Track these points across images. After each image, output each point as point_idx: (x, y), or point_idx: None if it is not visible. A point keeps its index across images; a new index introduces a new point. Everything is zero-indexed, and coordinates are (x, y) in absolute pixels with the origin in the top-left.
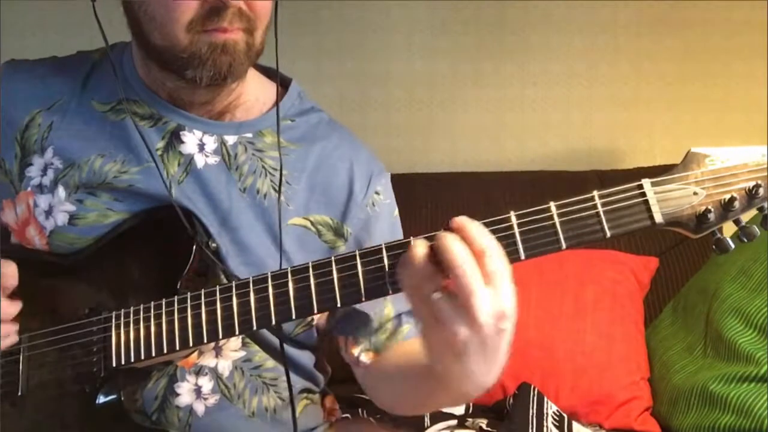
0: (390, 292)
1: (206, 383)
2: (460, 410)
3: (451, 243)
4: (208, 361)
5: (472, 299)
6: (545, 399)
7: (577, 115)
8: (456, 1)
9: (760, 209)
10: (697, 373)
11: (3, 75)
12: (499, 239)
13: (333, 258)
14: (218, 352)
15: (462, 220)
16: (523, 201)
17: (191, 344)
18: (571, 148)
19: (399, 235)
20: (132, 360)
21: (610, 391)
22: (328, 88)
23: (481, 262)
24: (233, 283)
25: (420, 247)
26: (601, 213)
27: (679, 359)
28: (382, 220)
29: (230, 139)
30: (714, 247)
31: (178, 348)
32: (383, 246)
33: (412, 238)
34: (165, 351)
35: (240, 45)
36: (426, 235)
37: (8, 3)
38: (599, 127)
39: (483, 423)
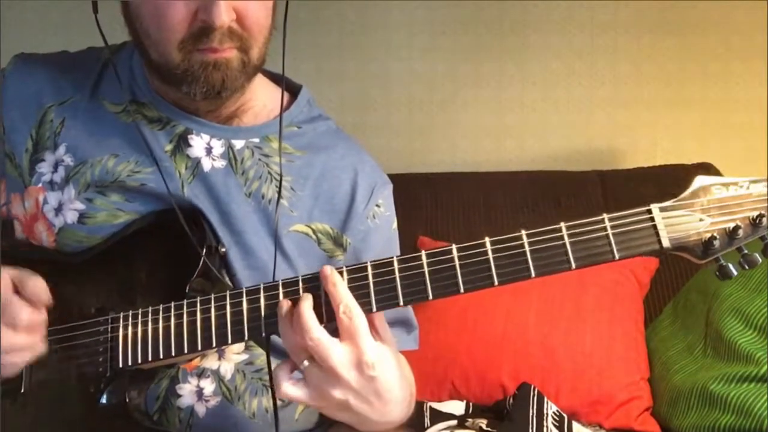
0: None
1: (208, 385)
2: (460, 410)
3: (301, 314)
4: (211, 363)
5: (330, 361)
6: (545, 399)
7: (577, 115)
8: (456, 1)
9: (762, 238)
10: (697, 373)
11: (13, 69)
12: (511, 257)
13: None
14: (221, 354)
15: (325, 272)
16: (523, 201)
17: (200, 348)
18: (571, 148)
19: (395, 248)
20: (139, 361)
21: (610, 391)
22: (328, 88)
23: (337, 316)
24: (243, 289)
25: (285, 314)
26: (611, 236)
27: (679, 359)
28: (380, 233)
29: (237, 144)
30: (717, 273)
31: (186, 351)
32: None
33: (281, 298)
34: (173, 354)
35: (233, 63)
36: (304, 277)
37: (8, 3)
38: (599, 127)
39: (483, 423)
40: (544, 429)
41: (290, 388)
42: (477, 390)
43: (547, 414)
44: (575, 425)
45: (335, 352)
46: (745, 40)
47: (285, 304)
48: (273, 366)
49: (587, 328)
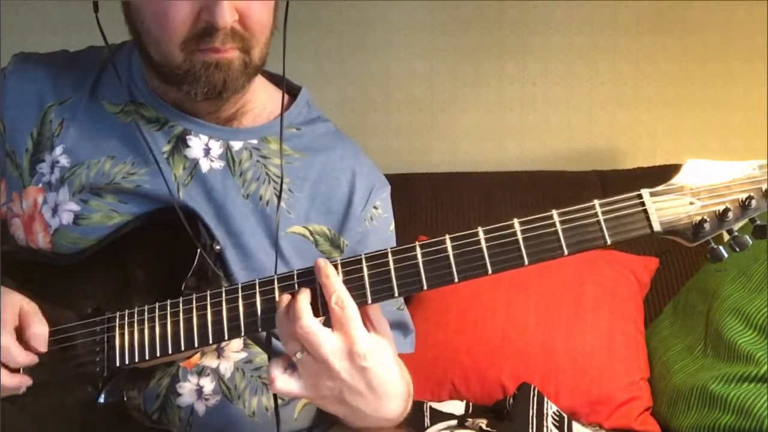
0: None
1: (208, 384)
2: (460, 410)
3: (294, 303)
4: (210, 362)
5: (321, 350)
6: (545, 399)
7: (578, 115)
8: (456, 1)
9: (752, 220)
10: (697, 373)
11: (13, 69)
12: (504, 245)
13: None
14: (220, 353)
15: (319, 264)
16: (523, 201)
17: (196, 345)
18: (571, 148)
19: None
20: (136, 360)
21: (610, 391)
22: (328, 88)
23: (330, 306)
24: (239, 285)
25: (283, 305)
26: (602, 221)
27: (679, 359)
28: (377, 235)
29: (236, 145)
30: (708, 255)
31: (183, 349)
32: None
33: (277, 293)
34: (170, 352)
35: (235, 63)
36: (299, 271)
37: (8, 3)
38: (599, 127)
39: (483, 423)
40: (544, 429)
41: (283, 381)
42: (477, 390)
43: (547, 414)
44: (575, 425)
45: (326, 340)
46: (745, 40)
47: (284, 297)
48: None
49: (587, 328)
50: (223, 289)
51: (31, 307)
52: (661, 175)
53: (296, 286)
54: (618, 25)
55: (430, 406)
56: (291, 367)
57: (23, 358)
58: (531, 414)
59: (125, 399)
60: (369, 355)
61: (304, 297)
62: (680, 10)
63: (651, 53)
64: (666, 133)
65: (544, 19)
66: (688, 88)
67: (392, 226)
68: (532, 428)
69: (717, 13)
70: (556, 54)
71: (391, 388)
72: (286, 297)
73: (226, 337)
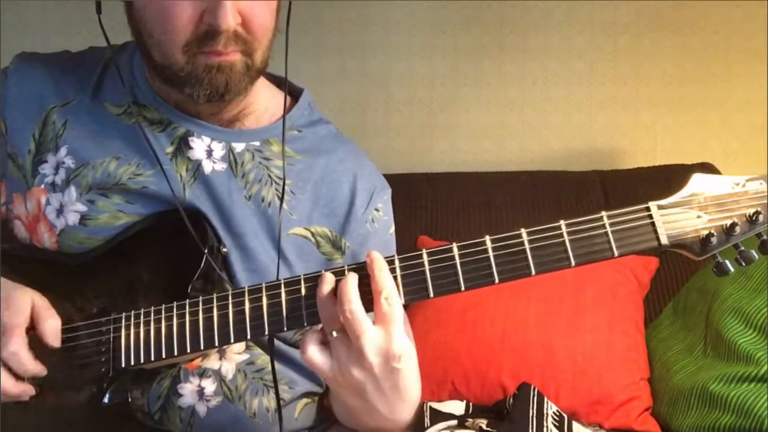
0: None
1: (209, 385)
2: (460, 410)
3: (346, 285)
4: (212, 363)
5: (361, 340)
6: (545, 399)
7: (578, 115)
8: (456, 1)
9: (758, 235)
10: (697, 373)
11: (15, 68)
12: (511, 255)
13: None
14: (222, 354)
15: (373, 256)
16: (523, 201)
17: (203, 347)
18: (571, 148)
19: (392, 252)
20: (142, 361)
21: (610, 391)
22: (328, 88)
23: (377, 300)
24: (246, 288)
25: (326, 284)
26: (610, 233)
27: (679, 359)
28: (378, 237)
29: (238, 147)
30: (714, 269)
31: (189, 350)
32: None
33: (323, 271)
34: (176, 353)
35: (237, 66)
36: (350, 266)
37: (8, 3)
38: (600, 127)
39: (483, 423)
40: (544, 429)
41: (315, 354)
42: (477, 390)
43: (547, 414)
44: (575, 425)
45: (368, 331)
46: (745, 40)
47: (329, 276)
48: (276, 362)
49: (587, 328)
50: (230, 292)
51: (43, 301)
52: (661, 174)
53: (303, 290)
54: (618, 25)
55: (430, 406)
56: (324, 343)
57: (32, 366)
58: (531, 414)
59: (129, 400)
60: (403, 358)
61: (354, 281)
62: (680, 10)
63: (651, 53)
64: (666, 133)
65: (544, 19)
66: (688, 88)
67: (392, 229)
68: (532, 428)
69: (717, 13)
70: (556, 54)
71: (412, 394)
72: (331, 276)
73: (232, 340)
